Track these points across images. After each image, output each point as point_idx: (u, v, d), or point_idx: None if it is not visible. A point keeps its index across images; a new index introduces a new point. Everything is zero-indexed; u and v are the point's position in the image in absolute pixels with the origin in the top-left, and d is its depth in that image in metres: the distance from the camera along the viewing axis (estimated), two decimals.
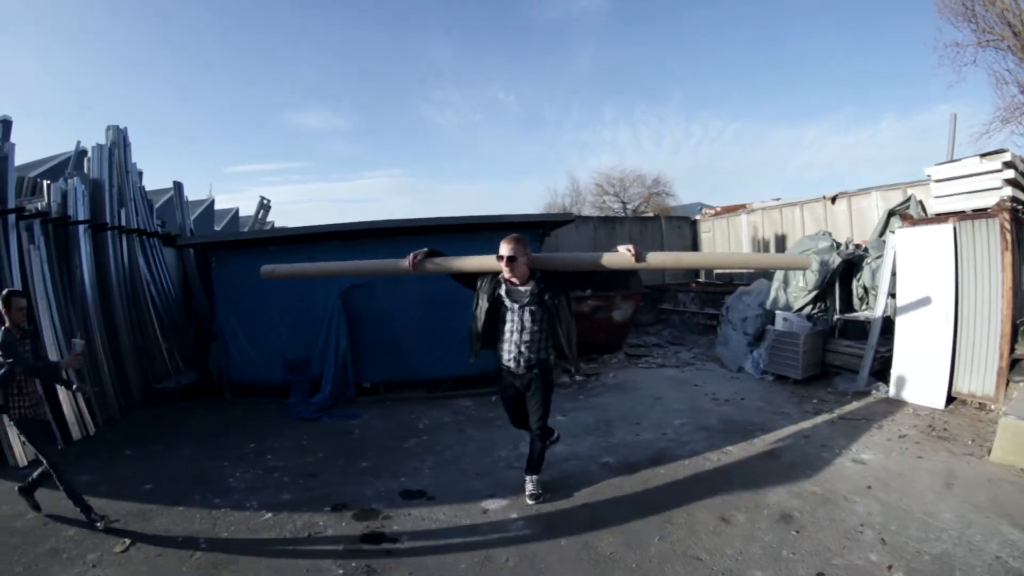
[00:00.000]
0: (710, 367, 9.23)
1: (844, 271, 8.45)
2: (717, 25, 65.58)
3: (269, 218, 17.85)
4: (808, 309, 8.58)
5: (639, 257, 4.11)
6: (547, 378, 4.39)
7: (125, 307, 8.02)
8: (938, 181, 6.79)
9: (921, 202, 8.19)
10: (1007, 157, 6.23)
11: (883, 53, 54.61)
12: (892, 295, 7.14)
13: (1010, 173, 6.16)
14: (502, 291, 4.24)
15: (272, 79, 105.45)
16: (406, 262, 4.39)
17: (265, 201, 16.97)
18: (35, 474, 4.40)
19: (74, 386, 4.75)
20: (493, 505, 4.46)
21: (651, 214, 25.69)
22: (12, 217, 6.32)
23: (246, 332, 8.28)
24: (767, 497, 4.34)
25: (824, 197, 12.66)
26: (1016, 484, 4.32)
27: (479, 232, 7.85)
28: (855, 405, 6.58)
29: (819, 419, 6.18)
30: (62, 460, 4.39)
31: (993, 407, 5.90)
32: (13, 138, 6.65)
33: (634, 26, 67.68)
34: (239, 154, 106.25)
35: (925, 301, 6.49)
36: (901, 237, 6.89)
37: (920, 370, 6.45)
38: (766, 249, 14.27)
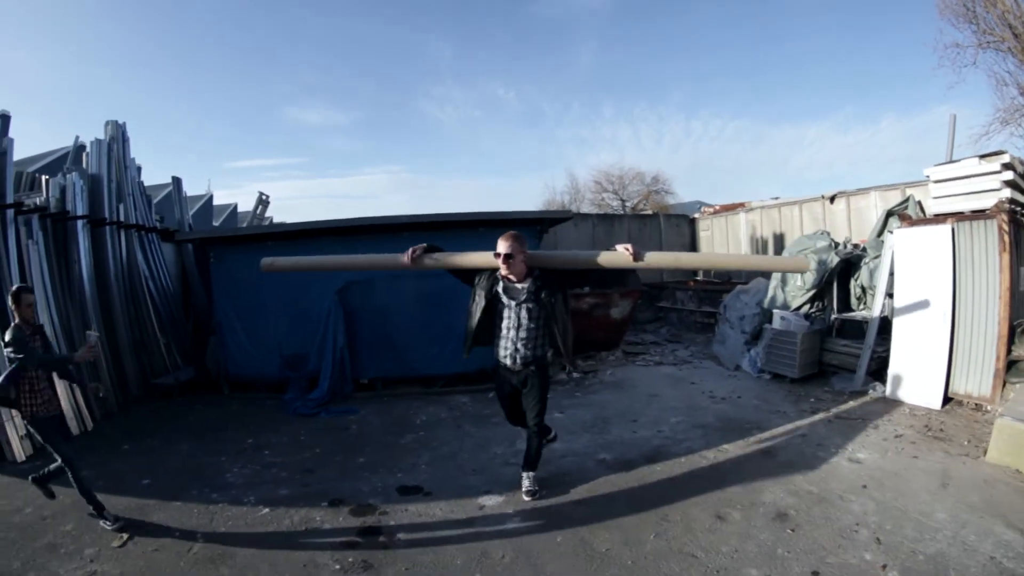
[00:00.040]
0: (707, 365, 9.25)
1: (842, 271, 8.46)
2: (718, 24, 65.58)
3: (268, 213, 17.87)
4: (806, 308, 8.59)
5: (637, 257, 4.11)
6: (543, 375, 4.40)
7: (123, 302, 8.02)
8: (937, 182, 6.79)
9: (920, 203, 8.20)
10: (1006, 159, 6.24)
11: (884, 53, 54.64)
12: (890, 295, 7.15)
13: (1009, 175, 6.17)
14: (499, 288, 4.25)
15: (272, 75, 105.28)
16: (405, 257, 4.40)
17: (264, 197, 16.97)
18: (50, 467, 4.32)
19: (89, 385, 4.70)
20: (489, 501, 4.48)
21: (650, 212, 25.69)
22: (10, 212, 6.32)
23: (244, 327, 8.28)
24: (763, 495, 4.36)
25: (823, 197, 12.67)
26: (1011, 485, 4.33)
27: (477, 229, 7.84)
28: (852, 404, 6.59)
29: (816, 418, 6.19)
30: (77, 457, 4.31)
31: (989, 408, 5.91)
32: (11, 133, 6.63)
33: (634, 24, 67.64)
34: (238, 150, 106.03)
35: (923, 302, 6.50)
36: (899, 237, 6.90)
37: (917, 370, 6.47)
38: (764, 248, 14.29)
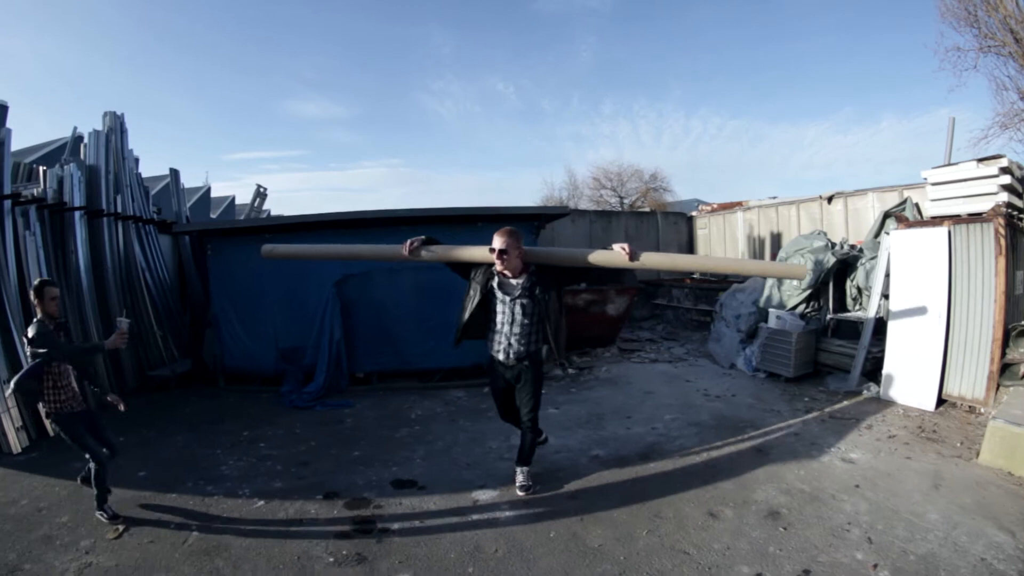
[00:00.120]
0: (703, 363, 9.27)
1: (838, 271, 8.48)
2: (718, 22, 65.37)
3: (265, 206, 17.87)
4: (801, 308, 8.62)
5: (633, 256, 4.11)
6: (537, 371, 4.42)
7: (120, 294, 8.01)
8: (935, 184, 6.81)
9: (917, 204, 8.22)
10: (1004, 163, 6.25)
11: (884, 54, 54.55)
12: (885, 296, 7.17)
13: (1006, 179, 6.19)
14: (494, 283, 4.27)
15: (271, 68, 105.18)
16: (403, 248, 4.42)
17: (261, 189, 17.01)
18: (93, 483, 4.21)
19: (108, 396, 4.48)
20: (483, 495, 4.50)
21: (648, 209, 25.65)
22: (8, 203, 6.29)
23: (241, 320, 8.29)
24: (755, 493, 4.38)
25: (820, 197, 12.69)
26: (1003, 487, 4.36)
27: (475, 223, 7.86)
28: (846, 404, 6.62)
29: (809, 417, 6.22)
30: (104, 453, 4.24)
31: (983, 410, 5.94)
32: (9, 123, 6.62)
33: (634, 22, 67.43)
34: (236, 142, 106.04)
35: (918, 303, 6.52)
36: (896, 239, 6.92)
37: (911, 372, 6.50)
38: (761, 247, 14.32)
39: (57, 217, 7.23)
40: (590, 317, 9.75)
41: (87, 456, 4.15)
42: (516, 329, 4.23)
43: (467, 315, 4.32)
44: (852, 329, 7.79)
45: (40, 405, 4.13)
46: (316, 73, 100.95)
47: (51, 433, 5.93)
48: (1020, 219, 6.49)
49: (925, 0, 23.51)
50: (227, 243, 8.46)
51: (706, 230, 16.58)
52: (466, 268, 4.45)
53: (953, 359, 6.28)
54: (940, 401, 6.28)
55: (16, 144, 7.09)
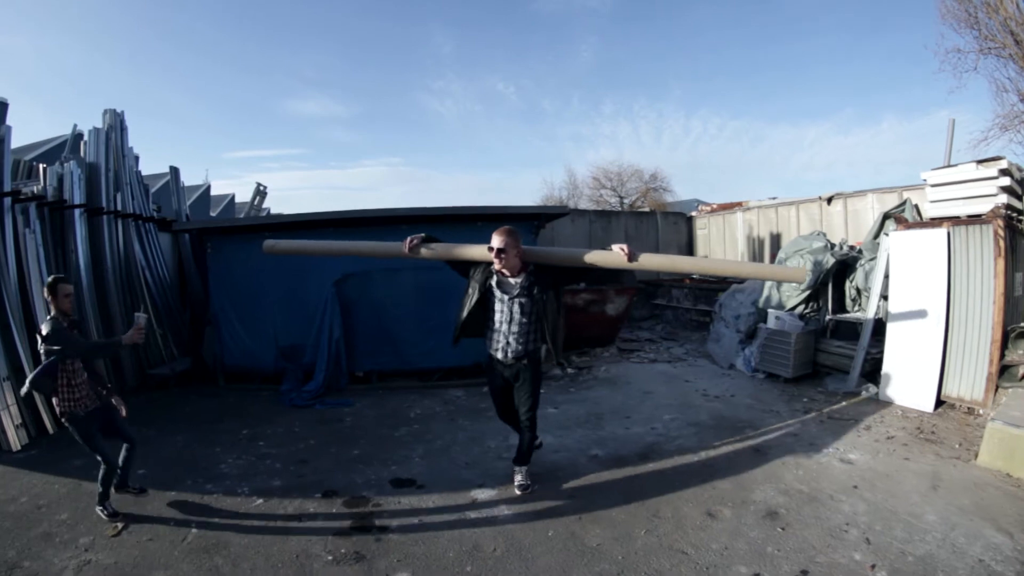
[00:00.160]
0: (702, 363, 9.28)
1: (837, 272, 8.49)
2: (718, 23, 65.31)
3: (265, 204, 17.87)
4: (800, 308, 8.63)
5: (632, 257, 4.12)
6: (536, 370, 4.43)
7: (120, 292, 8.01)
8: (934, 186, 6.81)
9: (916, 206, 8.23)
10: (1003, 164, 6.25)
11: (885, 55, 54.53)
12: (884, 297, 7.18)
13: (1006, 180, 6.19)
14: (493, 282, 4.28)
15: (272, 66, 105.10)
16: (403, 245, 4.44)
17: (261, 187, 16.99)
18: (99, 482, 4.18)
19: (113, 398, 4.40)
20: (482, 495, 4.50)
21: (647, 209, 25.66)
22: (8, 200, 6.29)
23: (240, 318, 8.29)
24: (754, 494, 4.39)
25: (820, 198, 12.70)
26: (1001, 489, 4.36)
27: (475, 223, 7.86)
28: (844, 405, 6.63)
29: (808, 418, 6.23)
30: (113, 457, 4.22)
31: (981, 412, 5.95)
32: (9, 120, 6.62)
33: (635, 22, 67.38)
34: (237, 140, 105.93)
35: (917, 304, 6.53)
36: (895, 240, 6.92)
37: (910, 373, 6.50)
38: (761, 248, 14.33)
39: (57, 215, 7.23)
40: (589, 317, 9.76)
41: (98, 459, 4.13)
42: (514, 328, 4.24)
43: (465, 313, 4.34)
44: (851, 330, 7.80)
45: (54, 402, 4.07)
46: (316, 72, 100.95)
47: (51, 431, 5.95)
48: (1019, 221, 6.49)
49: (925, 1, 23.53)
50: (227, 241, 8.46)
51: (706, 230, 16.59)
52: (465, 266, 4.46)
53: (952, 360, 6.29)
54: (939, 402, 6.29)
55: (16, 141, 7.09)
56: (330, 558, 3.61)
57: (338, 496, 4.52)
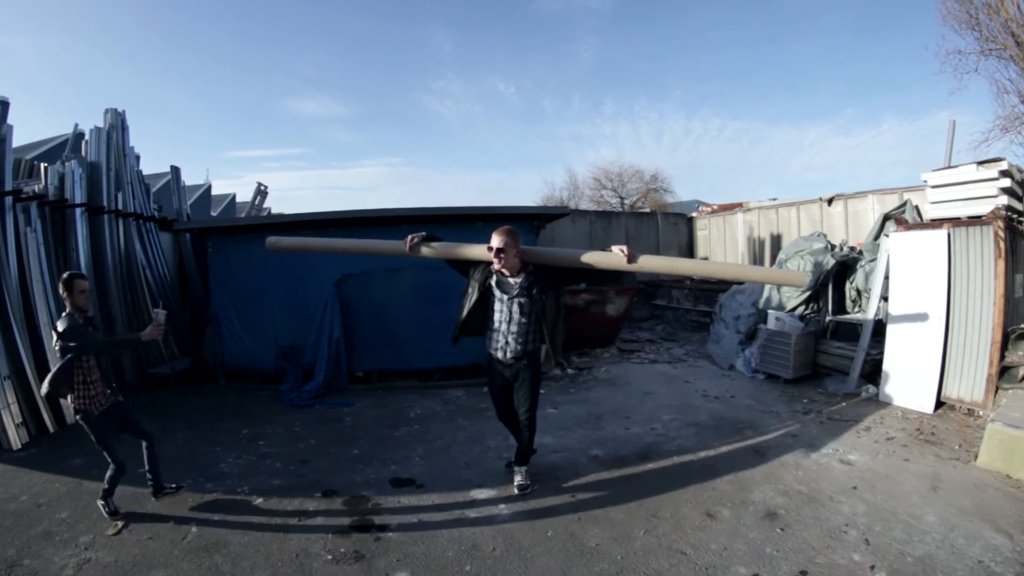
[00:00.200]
0: (702, 364, 9.28)
1: (838, 273, 8.49)
2: (718, 23, 65.47)
3: (266, 204, 17.86)
4: (800, 309, 8.63)
5: (631, 259, 4.12)
6: (535, 370, 4.44)
7: (120, 291, 8.02)
8: (934, 187, 6.80)
9: (917, 207, 8.23)
10: (1004, 166, 6.25)
11: (886, 56, 54.61)
12: (885, 298, 7.18)
13: (1006, 182, 6.19)
14: (492, 281, 4.29)
15: (273, 66, 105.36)
16: (404, 244, 4.46)
17: (262, 187, 16.99)
18: (105, 480, 4.17)
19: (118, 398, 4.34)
20: (482, 494, 4.51)
21: (648, 210, 25.65)
22: (9, 199, 6.30)
23: (241, 318, 8.30)
24: (753, 494, 4.39)
25: (820, 199, 12.69)
26: (1001, 490, 4.36)
27: (475, 223, 7.86)
28: (844, 406, 6.63)
29: (808, 419, 6.23)
30: (122, 460, 4.18)
31: (981, 413, 5.95)
32: (10, 120, 6.60)
33: (635, 22, 67.55)
34: (238, 140, 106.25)
35: (917, 306, 6.53)
36: (895, 241, 6.92)
37: (910, 374, 6.50)
38: (761, 248, 14.32)
39: (58, 214, 7.24)
40: (590, 317, 9.77)
41: (108, 460, 4.11)
42: (514, 328, 4.25)
43: (465, 313, 4.36)
44: (851, 331, 7.80)
45: (69, 399, 4.03)
46: (317, 71, 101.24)
47: (51, 429, 5.96)
48: (1020, 222, 6.49)
49: (926, 2, 23.51)
50: (228, 241, 8.48)
51: (706, 231, 16.59)
52: (465, 266, 4.48)
53: (952, 362, 6.29)
54: (939, 403, 6.29)
55: (17, 141, 7.08)
56: (329, 557, 3.61)
57: (338, 496, 4.52)
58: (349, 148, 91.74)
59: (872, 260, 7.89)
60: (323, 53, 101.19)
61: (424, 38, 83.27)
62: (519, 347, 4.28)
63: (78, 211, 7.41)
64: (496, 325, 4.30)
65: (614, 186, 31.90)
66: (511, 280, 4.26)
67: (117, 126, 8.52)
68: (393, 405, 7.10)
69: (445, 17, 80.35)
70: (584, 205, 29.25)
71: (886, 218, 8.34)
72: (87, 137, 8.23)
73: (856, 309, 8.26)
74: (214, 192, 26.90)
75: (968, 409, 6.12)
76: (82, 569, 3.47)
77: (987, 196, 6.30)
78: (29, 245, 6.43)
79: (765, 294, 9.16)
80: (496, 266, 4.22)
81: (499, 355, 4.34)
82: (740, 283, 10.40)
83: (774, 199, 14.98)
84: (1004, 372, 6.00)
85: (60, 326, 3.93)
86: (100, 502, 4.13)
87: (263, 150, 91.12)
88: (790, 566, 3.41)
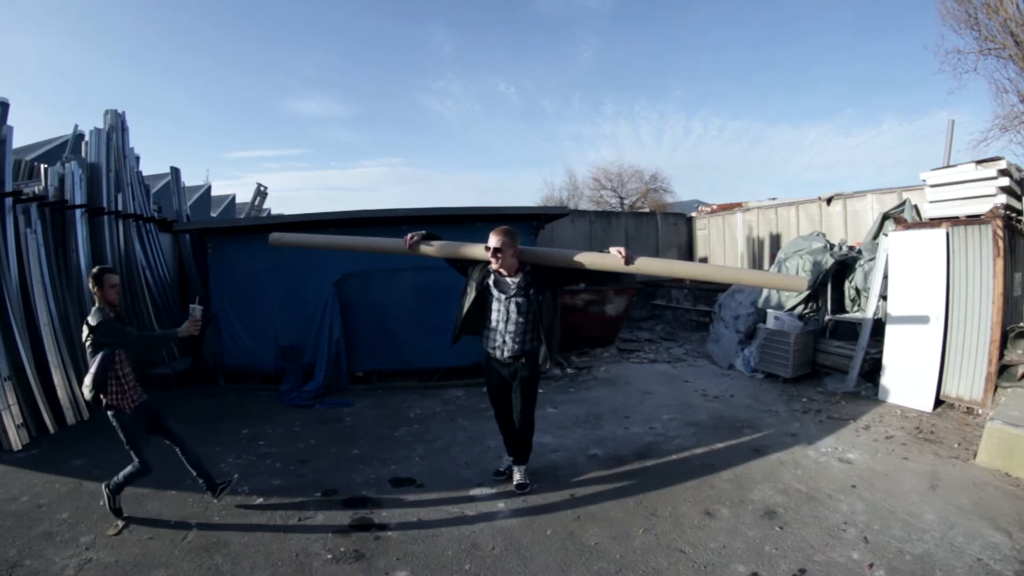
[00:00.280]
0: (701, 363, 9.29)
1: (837, 272, 8.50)
2: (718, 23, 65.52)
3: (266, 205, 17.87)
4: (800, 309, 8.64)
5: (629, 260, 4.13)
6: (533, 368, 4.45)
7: (121, 292, 7.97)
8: (933, 186, 6.81)
9: (916, 206, 8.23)
10: (1003, 165, 6.26)
11: (886, 55, 54.66)
12: (884, 297, 7.19)
13: (1005, 181, 6.20)
14: (490, 281, 4.31)
15: (273, 66, 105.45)
16: (404, 242, 4.50)
17: (262, 188, 16.99)
18: (122, 475, 4.13)
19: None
20: (481, 494, 4.52)
21: (648, 210, 25.67)
22: (9, 200, 6.31)
23: (240, 318, 8.31)
24: (752, 493, 4.40)
25: (820, 198, 12.70)
26: (1000, 488, 4.37)
27: (474, 223, 7.87)
28: (843, 405, 6.64)
29: (807, 418, 6.24)
30: (149, 463, 4.12)
31: (980, 411, 5.96)
32: (10, 121, 6.61)
33: (635, 22, 67.62)
34: (238, 140, 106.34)
35: (916, 305, 6.53)
36: (894, 240, 6.93)
37: (909, 373, 6.51)
38: (760, 248, 14.33)
39: (58, 215, 7.24)
40: (589, 317, 9.77)
41: (134, 458, 4.09)
42: (511, 327, 4.26)
43: (464, 312, 4.37)
44: (850, 330, 7.80)
45: (100, 397, 3.92)
46: (317, 71, 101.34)
47: (52, 430, 5.97)
48: (1018, 221, 6.50)
49: (926, 2, 23.52)
50: (227, 242, 8.49)
51: (705, 231, 16.60)
52: (464, 265, 4.50)
53: (951, 360, 6.30)
54: (938, 402, 6.29)
55: (17, 142, 7.09)
56: (329, 556, 3.62)
57: (338, 495, 4.53)
58: (349, 148, 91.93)
59: (871, 259, 7.90)
60: (323, 53, 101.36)
61: (424, 38, 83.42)
62: (516, 346, 4.29)
63: (78, 212, 7.41)
64: (494, 324, 4.31)
65: (614, 186, 31.91)
66: (509, 280, 4.27)
67: (117, 127, 8.52)
68: (393, 405, 7.11)
69: (445, 17, 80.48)
70: (584, 205, 29.28)
71: (885, 217, 8.35)
72: (87, 138, 8.23)
73: (855, 308, 8.27)
74: (214, 193, 26.93)
75: (967, 408, 6.13)
76: (83, 569, 3.48)
77: (986, 195, 6.30)
78: (29, 246, 6.43)
79: (764, 294, 9.16)
80: (493, 265, 4.23)
81: (496, 354, 4.35)
82: None
83: (773, 199, 14.99)
84: (1003, 371, 6.01)
85: (92, 320, 3.87)
86: (106, 493, 4.07)
87: (263, 150, 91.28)
88: (789, 564, 3.42)
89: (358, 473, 4.99)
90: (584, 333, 9.88)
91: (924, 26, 42.08)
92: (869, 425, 5.92)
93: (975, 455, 4.91)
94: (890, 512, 4.03)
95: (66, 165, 7.46)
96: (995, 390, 5.96)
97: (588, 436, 5.83)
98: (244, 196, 24.07)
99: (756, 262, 14.46)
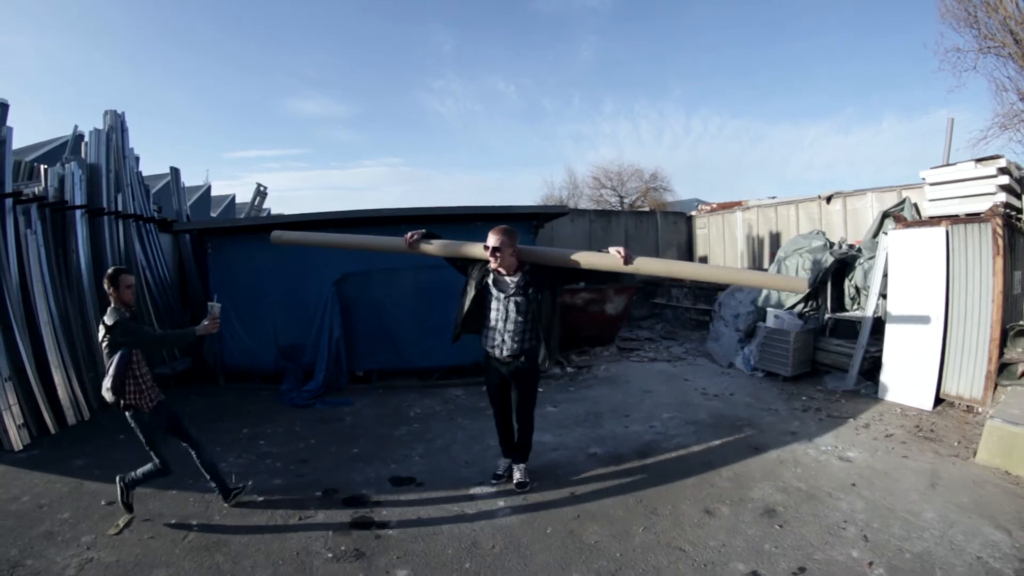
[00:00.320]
0: (701, 362, 9.30)
1: (837, 271, 8.50)
2: (718, 22, 65.44)
3: (265, 205, 17.88)
4: (800, 307, 8.64)
5: (628, 260, 4.13)
6: (533, 367, 4.45)
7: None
8: (933, 184, 6.81)
9: (916, 205, 8.23)
10: (1002, 163, 6.26)
11: (886, 54, 54.61)
12: (883, 296, 7.19)
13: (1004, 179, 6.20)
14: (489, 280, 4.31)
15: (272, 65, 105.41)
16: (403, 241, 4.51)
17: (262, 188, 17.01)
18: (140, 472, 4.09)
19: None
20: (481, 492, 4.53)
21: (647, 209, 25.66)
22: (9, 201, 6.31)
23: (241, 318, 8.30)
24: (752, 491, 4.40)
25: (819, 196, 12.72)
26: (1000, 486, 4.37)
27: (474, 223, 7.87)
28: (843, 403, 6.64)
29: (807, 416, 6.24)
30: (169, 462, 4.11)
31: (980, 410, 5.96)
32: (10, 121, 6.62)
33: (635, 21, 67.52)
34: (237, 140, 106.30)
35: (916, 303, 6.53)
36: (894, 239, 6.93)
37: (909, 371, 6.51)
38: (760, 247, 14.35)
39: (58, 216, 7.24)
40: (589, 316, 9.77)
41: (154, 458, 4.05)
42: (510, 326, 4.27)
43: (464, 310, 4.37)
44: (850, 328, 7.80)
45: (120, 399, 3.87)
46: (316, 71, 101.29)
47: (52, 431, 5.97)
48: (1018, 219, 6.50)
49: (925, 0, 23.50)
50: (227, 242, 8.49)
51: (705, 230, 16.61)
52: (464, 264, 4.50)
53: (951, 359, 6.30)
54: (938, 400, 6.30)
55: (17, 142, 7.10)
56: (330, 555, 3.63)
57: (338, 494, 4.54)
58: (349, 148, 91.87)
59: (871, 258, 7.90)
60: (323, 53, 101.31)
61: (424, 38, 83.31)
62: (515, 345, 4.30)
63: (78, 213, 7.42)
64: (493, 323, 4.32)
65: (613, 185, 31.89)
66: (508, 279, 4.28)
67: (116, 128, 8.53)
68: (393, 404, 7.12)
69: (445, 16, 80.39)
70: (583, 204, 29.26)
71: (885, 216, 8.34)
72: (87, 139, 8.23)
73: (855, 307, 8.28)
74: (214, 193, 26.90)
75: (967, 406, 6.13)
76: (84, 569, 3.48)
77: (985, 193, 6.31)
78: (29, 247, 6.43)
79: (764, 292, 9.16)
80: (492, 265, 4.23)
81: (496, 353, 4.36)
82: None
83: (773, 197, 15.02)
84: (1003, 369, 6.02)
85: (108, 320, 3.84)
86: (120, 486, 4.02)
87: (263, 150, 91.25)
88: (789, 563, 3.42)
89: (358, 472, 5.00)
90: (584, 332, 9.88)
91: (924, 24, 42.08)
92: (869, 423, 5.93)
93: (975, 453, 4.92)
94: (890, 510, 4.03)
95: (66, 166, 7.46)
96: (995, 388, 5.96)
97: (588, 435, 5.84)
98: (244, 196, 24.08)
99: (756, 261, 14.48)
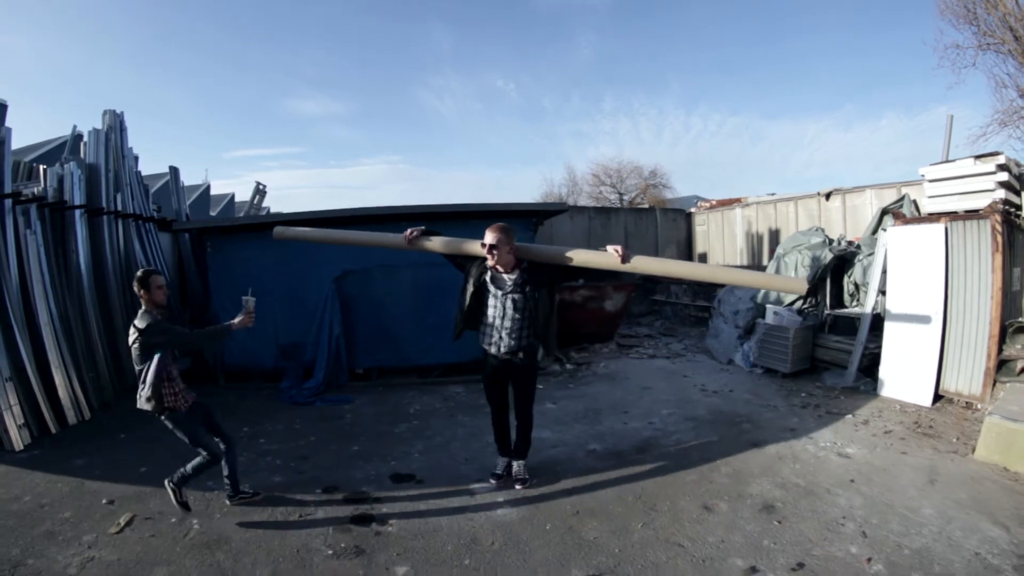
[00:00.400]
0: (700, 359, 9.31)
1: (836, 267, 8.51)
2: (717, 19, 65.48)
3: (265, 203, 17.88)
4: (799, 304, 8.65)
5: (625, 259, 4.12)
6: (531, 364, 4.48)
7: (120, 292, 8.01)
8: (932, 181, 6.81)
9: (915, 201, 8.24)
10: (1001, 160, 6.26)
11: (885, 51, 54.66)
12: (883, 292, 7.20)
13: (1003, 176, 6.20)
14: (487, 277, 4.32)
15: (271, 65, 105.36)
16: (403, 238, 4.53)
17: (261, 187, 16.99)
18: (190, 466, 4.05)
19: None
20: (481, 489, 4.54)
21: (647, 206, 25.66)
22: (8, 202, 6.30)
23: None
24: (750, 487, 4.42)
25: (819, 193, 12.72)
26: (999, 483, 4.39)
27: (472, 220, 7.86)
28: (842, 400, 6.66)
29: (806, 412, 6.25)
30: (220, 450, 4.12)
31: (979, 406, 5.97)
32: (9, 122, 6.63)
33: (634, 19, 67.65)
34: (237, 140, 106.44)
35: (915, 299, 6.54)
36: (893, 235, 6.93)
37: (908, 368, 6.52)
38: (759, 243, 14.36)
39: (57, 216, 7.24)
40: (588, 313, 9.78)
41: (202, 453, 4.01)
42: (507, 323, 4.28)
43: (465, 307, 4.38)
44: (849, 325, 7.81)
45: (160, 405, 3.83)
46: (316, 70, 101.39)
47: (53, 431, 5.98)
48: (1017, 216, 6.51)
49: None
50: (227, 241, 8.49)
51: (705, 227, 16.61)
52: (463, 261, 4.51)
53: (950, 355, 6.31)
54: (937, 397, 6.31)
55: (16, 143, 7.10)
56: (330, 552, 3.64)
57: (338, 492, 4.55)
58: (348, 146, 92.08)
59: (870, 254, 7.91)
60: (322, 52, 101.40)
61: (423, 36, 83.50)
62: (513, 342, 4.30)
63: (77, 213, 7.41)
64: (490, 320, 4.33)
65: (613, 182, 31.95)
66: (505, 276, 4.29)
67: (116, 127, 8.52)
68: (393, 402, 7.14)
69: (444, 15, 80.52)
70: (583, 201, 29.32)
71: (884, 212, 8.36)
72: (86, 139, 8.22)
73: (854, 303, 8.29)
74: (213, 192, 26.96)
75: (966, 402, 6.14)
76: (85, 568, 3.50)
77: (984, 190, 6.31)
78: (29, 247, 6.43)
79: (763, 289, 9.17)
80: (490, 262, 4.24)
81: (493, 350, 4.37)
82: None
83: (772, 194, 15.02)
84: (1002, 365, 6.02)
85: (140, 323, 3.83)
86: (171, 487, 4.01)
87: (262, 149, 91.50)
88: (787, 559, 3.43)
89: (358, 469, 5.01)
90: (583, 329, 9.89)
91: (923, 21, 42.05)
92: (868, 420, 5.94)
93: (974, 450, 4.93)
94: (888, 506, 4.04)
95: (65, 166, 7.46)
96: (994, 385, 5.97)
97: (587, 431, 5.85)
98: (243, 195, 24.14)
99: (755, 257, 14.49)
